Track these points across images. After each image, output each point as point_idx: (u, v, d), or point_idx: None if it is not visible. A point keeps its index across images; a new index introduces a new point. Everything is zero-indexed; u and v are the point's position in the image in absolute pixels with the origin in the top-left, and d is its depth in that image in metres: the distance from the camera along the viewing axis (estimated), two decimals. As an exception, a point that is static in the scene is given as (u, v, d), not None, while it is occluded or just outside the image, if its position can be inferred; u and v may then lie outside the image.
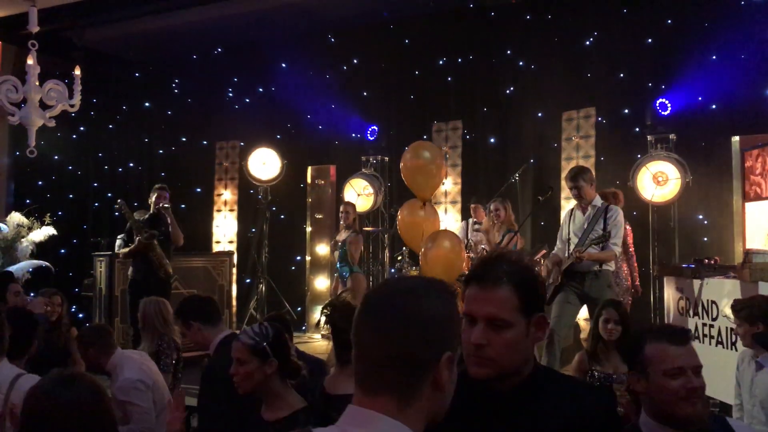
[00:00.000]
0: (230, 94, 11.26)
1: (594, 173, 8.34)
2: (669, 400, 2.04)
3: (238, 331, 3.73)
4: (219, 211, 11.14)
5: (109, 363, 3.96)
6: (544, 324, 1.77)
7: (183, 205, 11.37)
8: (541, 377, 1.80)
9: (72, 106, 5.99)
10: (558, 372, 1.87)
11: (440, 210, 9.83)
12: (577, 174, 5.90)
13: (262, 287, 9.91)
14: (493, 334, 1.67)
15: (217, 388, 3.31)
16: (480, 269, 1.77)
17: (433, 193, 7.41)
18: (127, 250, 7.19)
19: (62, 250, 10.91)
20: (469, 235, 8.50)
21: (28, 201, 10.10)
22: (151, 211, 7.27)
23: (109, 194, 11.93)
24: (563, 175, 7.73)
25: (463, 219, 9.16)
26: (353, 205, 8.17)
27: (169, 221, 7.18)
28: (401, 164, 7.09)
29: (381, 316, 1.24)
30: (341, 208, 8.05)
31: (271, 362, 2.77)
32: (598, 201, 5.91)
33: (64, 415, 1.97)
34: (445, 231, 7.34)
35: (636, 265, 6.93)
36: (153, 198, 7.27)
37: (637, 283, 6.86)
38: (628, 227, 6.83)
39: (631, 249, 6.88)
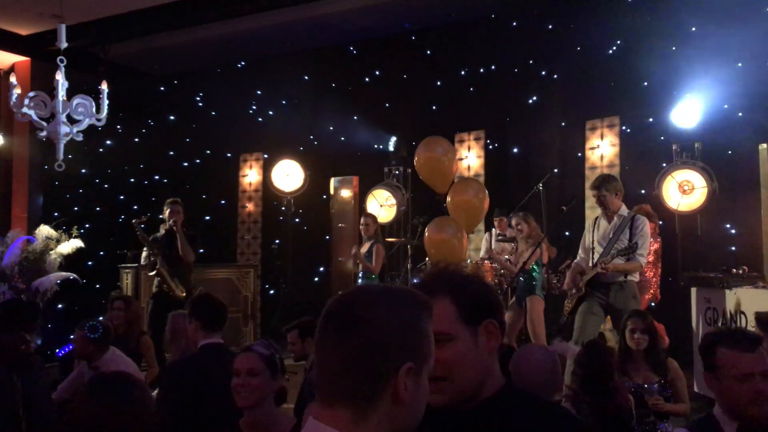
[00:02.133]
0: (254, 107, 11.36)
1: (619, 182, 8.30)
2: (738, 403, 2.24)
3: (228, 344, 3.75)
4: (243, 222, 11.21)
5: (102, 359, 4.21)
6: (496, 331, 1.64)
7: (208, 217, 11.49)
8: (506, 399, 1.63)
9: (99, 120, 6.08)
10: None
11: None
12: (600, 183, 5.88)
13: (284, 297, 9.95)
14: (438, 350, 1.50)
15: (177, 387, 3.37)
16: (419, 284, 1.71)
17: (447, 186, 7.72)
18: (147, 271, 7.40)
19: (89, 263, 11.05)
20: (492, 245, 8.48)
21: (56, 214, 10.25)
22: (167, 227, 7.41)
23: (135, 207, 12.08)
24: (587, 184, 7.69)
25: (486, 229, 9.12)
26: (374, 217, 8.19)
27: (178, 239, 7.28)
28: (415, 159, 7.53)
29: (339, 323, 1.22)
30: (362, 220, 8.07)
31: (279, 378, 2.77)
32: (624, 211, 5.86)
33: (112, 417, 2.02)
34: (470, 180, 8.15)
35: (659, 272, 6.88)
36: (166, 213, 7.43)
37: (657, 289, 6.81)
38: (658, 238, 6.83)
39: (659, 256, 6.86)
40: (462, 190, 7.75)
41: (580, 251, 6.26)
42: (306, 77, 10.83)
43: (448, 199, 7.53)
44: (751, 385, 2.22)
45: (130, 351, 5.27)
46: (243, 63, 11.38)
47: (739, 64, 7.95)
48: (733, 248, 7.86)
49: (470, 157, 9.88)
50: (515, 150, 9.63)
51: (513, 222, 6.93)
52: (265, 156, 11.05)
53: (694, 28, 8.15)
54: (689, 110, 7.70)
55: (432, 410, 1.49)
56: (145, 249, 9.17)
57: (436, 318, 1.49)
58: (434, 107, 10.27)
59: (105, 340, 4.32)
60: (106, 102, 6.12)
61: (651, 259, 6.70)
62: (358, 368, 1.19)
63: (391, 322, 1.21)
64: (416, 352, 1.23)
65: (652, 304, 6.92)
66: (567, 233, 8.96)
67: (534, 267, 6.50)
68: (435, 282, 1.64)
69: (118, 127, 11.62)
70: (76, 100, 5.96)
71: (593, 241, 5.98)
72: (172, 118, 11.99)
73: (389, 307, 1.23)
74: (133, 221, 7.46)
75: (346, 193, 10.42)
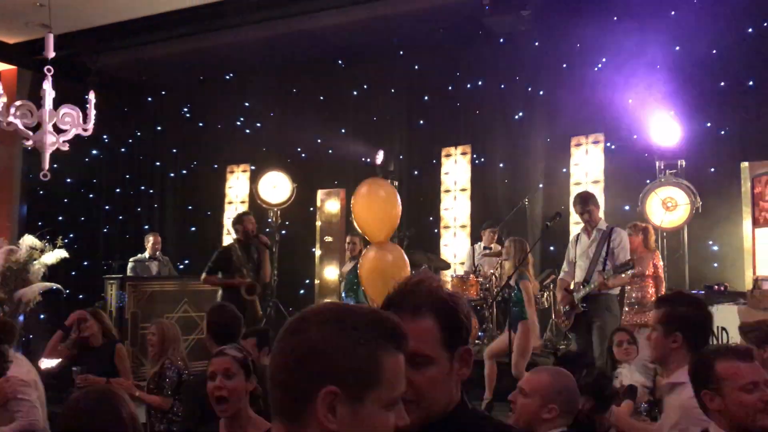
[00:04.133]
0: (241, 119, 11.37)
1: (603, 198, 8.41)
2: (748, 414, 2.16)
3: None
4: (229, 233, 11.18)
5: None
6: (469, 358, 1.56)
7: (193, 228, 11.45)
8: (459, 420, 1.55)
9: (86, 130, 6.06)
10: (485, 415, 1.67)
11: (449, 234, 9.87)
12: (587, 199, 5.98)
13: (272, 311, 9.90)
14: (413, 371, 1.42)
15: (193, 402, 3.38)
16: (397, 296, 1.56)
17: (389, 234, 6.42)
18: (216, 278, 7.03)
19: (73, 273, 10.97)
20: (476, 260, 8.51)
21: (40, 223, 10.18)
22: (241, 238, 7.13)
23: (121, 217, 12.04)
24: (572, 200, 7.75)
25: (472, 243, 9.16)
26: (360, 236, 8.17)
27: (262, 255, 7.08)
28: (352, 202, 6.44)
29: (279, 338, 1.21)
30: (348, 239, 8.07)
31: (252, 379, 2.81)
32: (602, 224, 5.97)
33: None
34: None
35: (663, 289, 6.92)
36: (247, 227, 7.12)
37: None
38: (656, 254, 6.90)
39: (660, 272, 6.90)
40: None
41: (564, 266, 6.32)
42: (294, 90, 10.86)
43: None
44: (760, 395, 2.17)
45: (106, 362, 5.21)
46: (231, 75, 11.40)
47: (722, 83, 8.07)
48: (716, 265, 7.94)
49: (457, 172, 9.93)
50: (501, 165, 9.69)
51: (505, 243, 6.75)
52: (252, 168, 11.05)
53: (677, 48, 8.27)
54: (671, 128, 7.79)
55: None
56: (131, 260, 9.16)
57: (417, 338, 1.43)
58: (421, 122, 10.34)
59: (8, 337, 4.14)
60: (93, 112, 6.11)
61: (650, 272, 6.76)
62: (280, 381, 1.17)
63: (320, 341, 1.16)
64: (349, 377, 1.15)
65: None
66: (552, 248, 9.02)
67: (517, 292, 6.47)
68: (420, 299, 1.53)
69: (105, 137, 11.59)
70: (62, 110, 5.95)
71: (575, 255, 6.06)
72: (159, 128, 11.98)
73: (332, 325, 1.17)
74: (261, 236, 7.24)
75: (333, 206, 10.43)
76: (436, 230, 9.97)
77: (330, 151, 10.53)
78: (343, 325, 1.17)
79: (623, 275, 5.66)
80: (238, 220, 7.26)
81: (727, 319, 5.57)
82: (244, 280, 6.83)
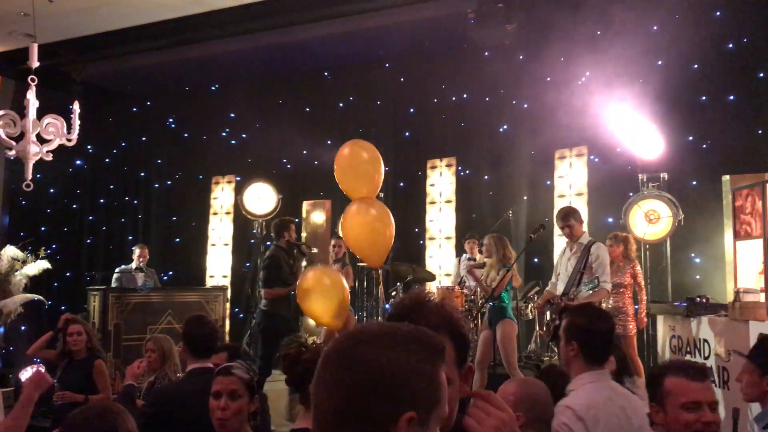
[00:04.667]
0: (227, 130, 11.36)
1: (587, 211, 8.47)
2: None
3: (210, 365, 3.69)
4: (214, 245, 11.14)
5: None
6: (471, 376, 1.58)
7: (177, 239, 11.40)
8: None
9: (69, 140, 6.03)
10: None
11: (434, 245, 9.89)
12: (567, 214, 6.06)
13: (256, 322, 9.86)
14: None
15: (162, 411, 3.36)
16: (412, 313, 1.55)
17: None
18: (280, 290, 6.88)
19: (56, 284, 10.88)
20: (462, 271, 8.53)
21: (22, 234, 10.11)
22: (284, 246, 7.02)
23: (104, 228, 11.96)
24: (556, 212, 7.81)
25: (457, 255, 9.19)
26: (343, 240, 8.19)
27: (299, 263, 6.92)
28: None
29: (335, 364, 1.12)
30: (333, 242, 8.08)
31: (255, 400, 2.77)
32: (584, 238, 6.03)
33: None
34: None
35: (644, 299, 7.00)
36: (288, 233, 7.01)
37: (643, 315, 6.92)
38: (635, 264, 6.96)
39: (640, 281, 6.97)
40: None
41: (552, 277, 6.42)
42: (280, 101, 10.87)
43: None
44: (699, 415, 2.15)
45: (84, 377, 5.17)
46: (217, 85, 11.40)
47: (703, 98, 8.18)
48: (698, 277, 8.01)
49: (442, 183, 9.97)
50: (486, 177, 9.74)
51: (484, 241, 6.80)
52: (238, 178, 11.03)
53: (659, 62, 8.37)
54: (654, 141, 7.88)
55: None
56: (117, 271, 9.09)
57: None
58: (407, 133, 10.38)
59: None
60: (78, 122, 6.08)
61: (629, 282, 6.83)
62: (350, 413, 1.08)
63: (392, 365, 1.09)
64: (421, 400, 1.10)
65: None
66: (536, 260, 9.08)
67: (504, 291, 6.53)
68: (437, 319, 1.54)
69: (89, 147, 11.55)
70: (46, 120, 5.92)
71: (559, 268, 6.15)
72: (144, 139, 11.94)
73: (393, 349, 1.11)
74: (306, 248, 7.13)
75: (318, 217, 10.43)
76: (421, 242, 9.99)
77: (316, 163, 10.53)
78: (405, 345, 1.12)
79: (591, 292, 5.68)
80: (284, 227, 7.07)
81: (708, 331, 5.61)
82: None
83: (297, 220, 10.56)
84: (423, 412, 1.10)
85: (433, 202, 10.02)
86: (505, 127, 9.58)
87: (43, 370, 3.39)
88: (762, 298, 5.56)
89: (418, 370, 1.11)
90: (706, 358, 5.57)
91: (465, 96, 9.88)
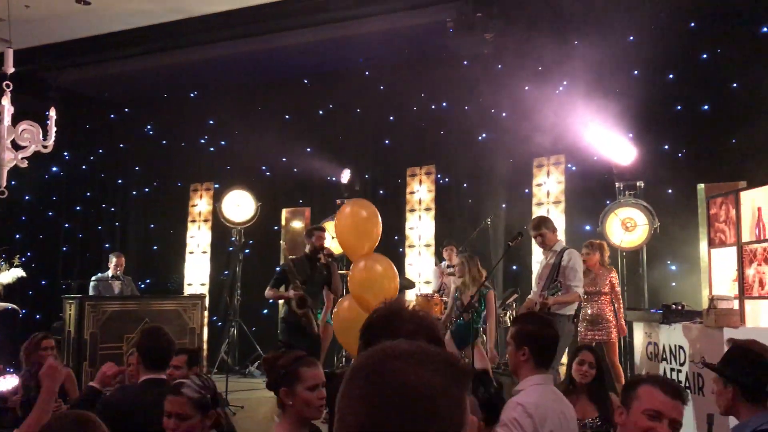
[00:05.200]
0: (206, 137, 11.31)
1: (564, 219, 8.54)
2: None
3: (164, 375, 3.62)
4: (192, 253, 11.06)
5: None
6: None
7: (155, 247, 11.31)
8: None
9: (45, 147, 5.97)
10: None
11: (414, 253, 9.91)
12: (539, 223, 6.13)
13: (234, 330, 9.81)
14: None
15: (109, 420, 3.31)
16: (384, 321, 1.54)
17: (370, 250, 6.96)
18: (272, 292, 6.79)
19: (30, 292, 10.74)
20: (442, 279, 8.55)
21: (-4, 241, 9.97)
22: (308, 253, 6.79)
23: (81, 235, 11.84)
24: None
25: (437, 262, 9.22)
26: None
27: (332, 272, 6.70)
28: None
29: (362, 381, 1.09)
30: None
31: (211, 414, 2.74)
32: (558, 246, 6.08)
33: None
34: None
35: (621, 306, 7.04)
36: (313, 241, 6.77)
37: (622, 323, 6.96)
38: (612, 271, 7.04)
39: (617, 289, 7.02)
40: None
41: (533, 286, 6.49)
42: (259, 108, 10.85)
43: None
44: (656, 425, 2.17)
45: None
46: (195, 92, 11.35)
47: (679, 107, 8.30)
48: (674, 284, 8.10)
49: (421, 191, 10.01)
50: (465, 185, 9.79)
51: (455, 262, 6.88)
52: (216, 186, 10.98)
53: (636, 72, 8.49)
54: (630, 150, 7.98)
55: None
56: (93, 279, 8.99)
57: None
58: (387, 141, 10.41)
59: None
60: (54, 128, 6.02)
61: (607, 290, 6.88)
62: (376, 430, 1.05)
63: (424, 387, 1.06)
64: (447, 421, 1.07)
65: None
66: (514, 267, 9.13)
67: (476, 313, 6.48)
68: (414, 327, 1.53)
69: (66, 154, 11.44)
70: (21, 126, 5.85)
71: (538, 276, 6.21)
72: (121, 145, 11.85)
73: (423, 368, 1.08)
74: (287, 260, 6.97)
75: (298, 225, 10.41)
76: (401, 249, 10.00)
77: (295, 170, 10.53)
78: (435, 365, 1.10)
79: (558, 294, 5.73)
80: (309, 234, 6.93)
81: (684, 338, 5.67)
82: (296, 293, 6.50)
83: (276, 227, 10.56)
84: None
85: (412, 210, 10.05)
86: (484, 135, 9.64)
87: (53, 361, 3.36)
88: (736, 305, 5.63)
89: (446, 392, 1.08)
90: (681, 365, 5.63)
91: (444, 104, 9.93)
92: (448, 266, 8.36)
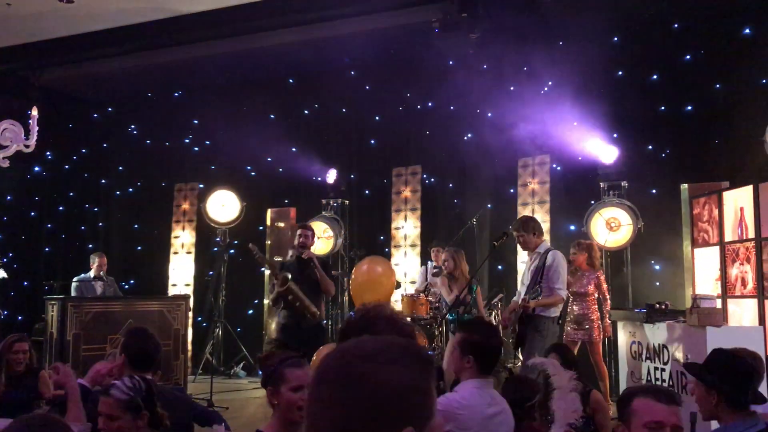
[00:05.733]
0: (190, 137, 11.24)
1: (549, 219, 8.57)
2: None
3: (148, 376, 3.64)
4: (176, 253, 10.99)
5: None
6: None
7: (139, 247, 11.23)
8: None
9: (27, 146, 5.91)
10: None
11: (399, 253, 9.91)
12: (522, 224, 6.14)
13: (219, 331, 9.76)
14: None
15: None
16: (360, 324, 1.57)
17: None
18: (272, 296, 6.68)
19: (12, 293, 10.63)
20: (428, 279, 8.55)
21: (-23, 242, 9.87)
22: (296, 253, 6.67)
23: (63, 236, 11.73)
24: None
25: (422, 262, 9.22)
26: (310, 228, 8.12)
27: (316, 270, 6.52)
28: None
29: (331, 385, 1.09)
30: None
31: (144, 415, 2.75)
32: (542, 247, 6.07)
33: None
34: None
35: (608, 306, 7.05)
36: (297, 240, 6.64)
37: (608, 323, 6.98)
38: (599, 272, 7.05)
39: (604, 287, 7.03)
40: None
41: (519, 287, 6.50)
42: (244, 108, 10.80)
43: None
44: None
45: (30, 391, 5.06)
46: (180, 92, 11.28)
47: (662, 108, 8.35)
48: (658, 284, 8.15)
49: (407, 191, 10.01)
50: (451, 185, 9.80)
51: (442, 256, 6.97)
52: (201, 186, 10.91)
53: (620, 72, 8.54)
54: (614, 150, 8.03)
55: None
56: (75, 280, 8.91)
57: None
58: (372, 141, 10.39)
59: None
60: (36, 128, 5.96)
61: (593, 290, 6.90)
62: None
63: (394, 384, 1.08)
64: (417, 414, 1.09)
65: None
66: (499, 267, 9.15)
67: (466, 308, 6.54)
68: (390, 333, 1.54)
69: (48, 153, 11.33)
70: (3, 125, 5.79)
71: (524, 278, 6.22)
72: (105, 145, 11.76)
73: (390, 365, 1.10)
74: (250, 245, 6.87)
75: (282, 225, 10.37)
76: (387, 249, 10.00)
77: (280, 170, 10.48)
78: (402, 360, 1.11)
79: (539, 298, 5.74)
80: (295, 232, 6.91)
81: (667, 337, 5.72)
82: (277, 276, 6.45)
83: (261, 228, 10.52)
84: (419, 427, 1.09)
85: (398, 210, 10.05)
86: (470, 135, 9.66)
87: (61, 367, 3.42)
88: (719, 304, 5.69)
89: (415, 385, 1.10)
90: (665, 364, 5.67)
91: (430, 104, 9.94)
92: (435, 267, 8.37)
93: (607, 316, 6.98)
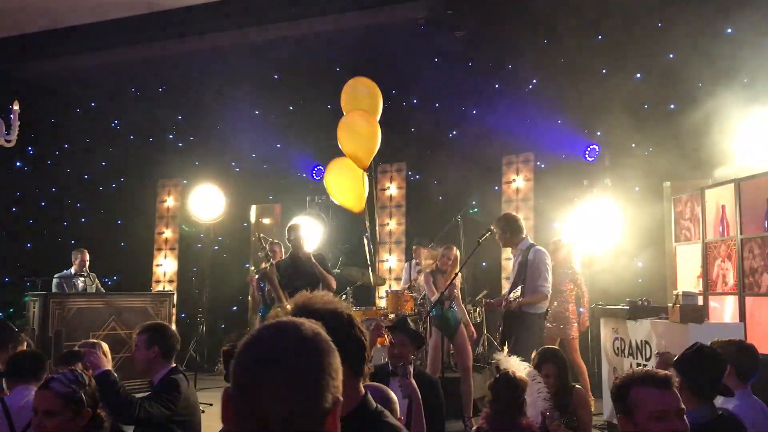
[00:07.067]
0: (174, 132, 11.17)
1: (532, 215, 8.60)
2: None
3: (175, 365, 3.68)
4: (159, 249, 10.93)
5: None
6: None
7: (123, 243, 11.15)
8: (361, 419, 1.62)
9: (9, 141, 5.84)
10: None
11: (384, 250, 9.91)
12: (498, 221, 6.18)
13: (203, 327, 9.72)
14: None
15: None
16: (302, 310, 1.61)
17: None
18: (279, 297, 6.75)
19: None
20: (412, 275, 8.56)
21: (-43, 238, 9.76)
22: (291, 252, 6.88)
23: (46, 231, 11.62)
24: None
25: (407, 259, 9.23)
26: (281, 243, 8.12)
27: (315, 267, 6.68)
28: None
29: (280, 369, 1.09)
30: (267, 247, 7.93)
31: (86, 412, 2.55)
32: (524, 244, 6.07)
33: None
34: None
35: (586, 301, 7.10)
36: (291, 239, 6.88)
37: (585, 318, 7.03)
38: (576, 268, 7.08)
39: (580, 281, 7.08)
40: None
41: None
42: (229, 103, 10.75)
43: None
44: (667, 424, 2.21)
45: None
46: (163, 87, 11.20)
47: (645, 106, 8.41)
48: (641, 280, 8.22)
49: (392, 188, 10.01)
50: (436, 182, 9.82)
51: (451, 254, 6.83)
52: (185, 182, 10.85)
53: (604, 71, 8.58)
54: (595, 149, 8.07)
55: None
56: (56, 277, 8.82)
57: None
58: (357, 138, 10.36)
59: None
60: (17, 122, 5.90)
61: (571, 287, 6.95)
62: (305, 415, 1.08)
63: (323, 362, 1.12)
64: (339, 388, 1.14)
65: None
66: (484, 264, 9.18)
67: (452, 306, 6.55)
68: (309, 310, 1.59)
69: (30, 148, 11.21)
70: (-17, 120, 5.72)
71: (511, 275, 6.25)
72: (88, 140, 11.65)
73: (316, 347, 1.13)
74: (260, 235, 7.14)
75: (267, 221, 10.34)
76: (371, 246, 9.98)
77: (265, 166, 10.45)
78: (317, 324, 1.17)
79: (519, 298, 5.75)
80: (287, 232, 7.11)
81: (649, 333, 5.76)
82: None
83: (245, 224, 10.48)
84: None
85: (383, 207, 10.05)
86: (455, 132, 9.68)
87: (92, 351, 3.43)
88: (700, 301, 5.73)
89: (332, 362, 1.14)
90: (647, 360, 5.71)
91: (415, 101, 9.94)
92: (417, 264, 8.37)
93: (586, 311, 7.04)
